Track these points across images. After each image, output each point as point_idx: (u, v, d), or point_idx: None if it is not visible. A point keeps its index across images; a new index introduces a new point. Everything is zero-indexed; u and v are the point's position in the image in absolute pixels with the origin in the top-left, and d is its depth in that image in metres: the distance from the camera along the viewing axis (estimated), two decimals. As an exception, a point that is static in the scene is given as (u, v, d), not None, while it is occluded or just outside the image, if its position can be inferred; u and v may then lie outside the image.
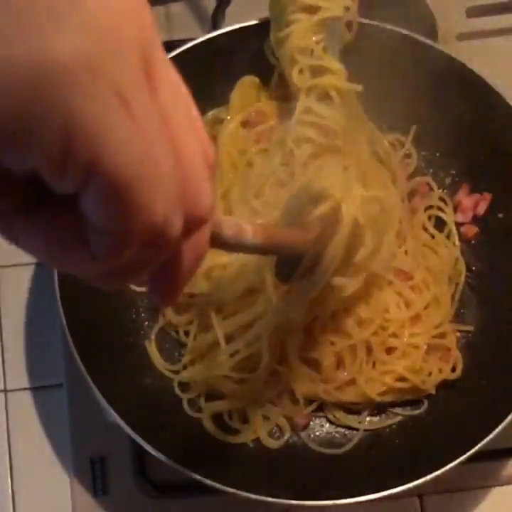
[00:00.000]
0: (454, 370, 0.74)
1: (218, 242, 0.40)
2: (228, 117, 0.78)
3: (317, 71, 0.75)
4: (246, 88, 0.79)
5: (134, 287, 0.74)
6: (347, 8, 0.75)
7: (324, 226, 0.56)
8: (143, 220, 0.29)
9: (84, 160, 0.27)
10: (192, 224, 0.33)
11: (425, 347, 0.73)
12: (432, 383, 0.73)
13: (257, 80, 0.80)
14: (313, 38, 0.74)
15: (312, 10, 0.74)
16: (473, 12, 0.88)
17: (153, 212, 0.30)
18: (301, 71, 0.74)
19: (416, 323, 0.74)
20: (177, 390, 0.73)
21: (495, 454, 0.73)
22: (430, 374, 0.73)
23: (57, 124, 0.27)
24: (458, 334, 0.75)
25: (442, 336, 0.74)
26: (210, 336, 0.73)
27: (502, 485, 0.75)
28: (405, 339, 0.73)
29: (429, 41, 0.78)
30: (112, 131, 0.28)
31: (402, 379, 0.73)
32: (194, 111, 0.33)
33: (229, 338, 0.72)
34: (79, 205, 0.29)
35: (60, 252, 0.32)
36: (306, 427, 0.74)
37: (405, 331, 0.73)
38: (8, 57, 0.26)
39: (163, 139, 0.30)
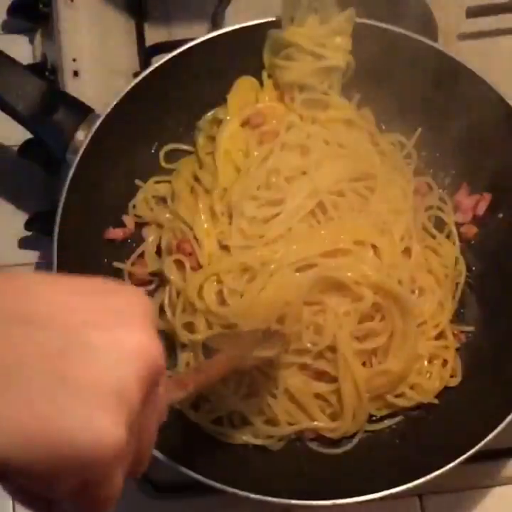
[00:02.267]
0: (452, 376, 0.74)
1: None
2: (228, 118, 0.78)
3: (317, 104, 0.77)
4: (244, 89, 0.79)
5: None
6: (349, 64, 0.77)
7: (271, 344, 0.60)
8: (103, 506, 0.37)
9: (88, 493, 0.35)
10: (131, 472, 0.39)
11: (428, 356, 0.73)
12: (433, 393, 0.73)
13: (255, 80, 0.80)
14: (313, 79, 0.76)
15: (315, 55, 0.76)
16: (473, 12, 0.88)
17: (114, 498, 0.37)
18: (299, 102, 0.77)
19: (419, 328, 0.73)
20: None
21: (495, 454, 0.73)
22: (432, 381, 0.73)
23: (79, 480, 0.34)
24: (461, 336, 0.75)
25: (445, 347, 0.74)
26: None
27: (502, 485, 0.75)
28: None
29: (429, 41, 0.78)
30: (115, 477, 0.35)
31: (402, 395, 0.72)
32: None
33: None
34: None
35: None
36: (316, 438, 0.73)
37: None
38: (61, 431, 0.32)
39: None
